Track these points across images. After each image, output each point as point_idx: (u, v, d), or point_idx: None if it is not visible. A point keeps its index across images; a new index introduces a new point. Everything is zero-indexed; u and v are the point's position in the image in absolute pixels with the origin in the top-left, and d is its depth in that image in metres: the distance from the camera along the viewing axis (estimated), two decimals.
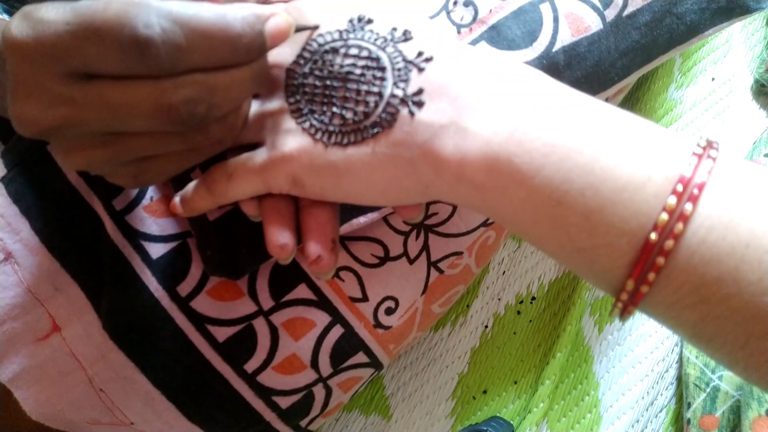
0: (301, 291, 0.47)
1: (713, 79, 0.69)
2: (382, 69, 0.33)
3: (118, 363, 0.46)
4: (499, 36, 0.45)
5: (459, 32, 0.45)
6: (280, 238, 0.36)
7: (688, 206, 0.27)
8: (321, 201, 0.37)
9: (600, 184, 0.28)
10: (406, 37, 0.34)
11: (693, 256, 0.27)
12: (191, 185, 0.39)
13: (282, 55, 0.36)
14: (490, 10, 0.45)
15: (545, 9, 0.45)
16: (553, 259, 0.33)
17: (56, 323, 0.47)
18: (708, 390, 0.58)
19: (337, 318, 0.48)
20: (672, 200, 0.27)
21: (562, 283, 0.66)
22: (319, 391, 0.50)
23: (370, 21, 0.35)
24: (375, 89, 0.33)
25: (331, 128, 0.34)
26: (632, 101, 0.69)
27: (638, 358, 0.63)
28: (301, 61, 0.35)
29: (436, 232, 0.50)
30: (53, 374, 0.47)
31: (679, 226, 0.27)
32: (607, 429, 0.61)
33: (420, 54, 0.33)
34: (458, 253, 0.51)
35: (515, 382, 0.64)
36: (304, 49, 0.35)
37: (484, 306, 0.66)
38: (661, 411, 0.62)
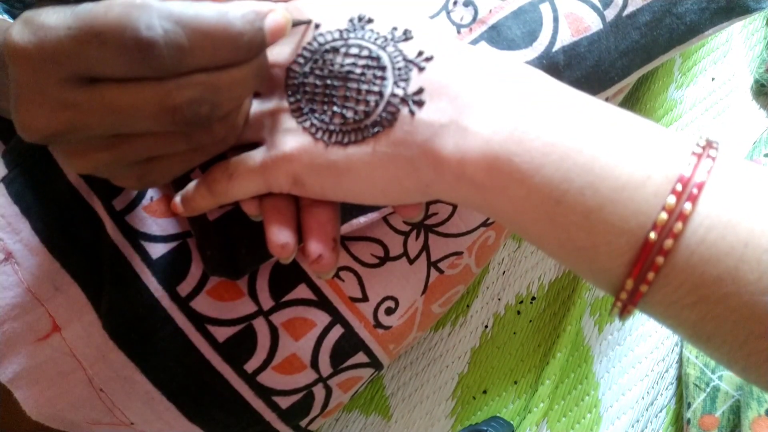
0: (301, 291, 0.47)
1: (713, 79, 0.69)
2: (383, 68, 0.33)
3: (118, 363, 0.46)
4: (499, 36, 0.45)
5: (459, 32, 0.45)
6: (281, 238, 0.36)
7: (688, 206, 0.27)
8: (321, 200, 0.37)
9: (599, 183, 0.28)
10: (407, 36, 0.34)
11: (692, 255, 0.27)
12: (192, 185, 0.39)
13: (282, 54, 0.36)
14: (490, 10, 0.45)
15: (545, 9, 0.45)
16: (553, 258, 0.33)
17: (56, 323, 0.47)
18: (708, 390, 0.58)
19: (337, 318, 0.48)
20: (671, 199, 0.27)
21: (562, 283, 0.66)
22: (319, 391, 0.50)
23: (370, 20, 0.35)
24: (375, 88, 0.33)
25: (331, 127, 0.34)
26: (632, 101, 0.69)
27: (638, 358, 0.63)
28: (302, 61, 0.35)
29: (436, 232, 0.50)
30: (53, 374, 0.47)
31: (679, 225, 0.27)
32: (607, 429, 0.61)
33: (420, 53, 0.33)
34: (458, 253, 0.51)
35: (515, 382, 0.64)
36: (304, 48, 0.35)
37: (484, 306, 0.66)
38: (661, 411, 0.62)
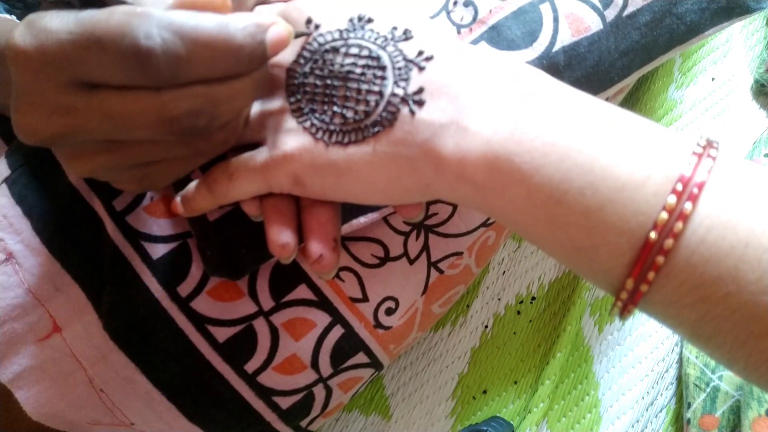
0: (302, 291, 0.47)
1: (713, 79, 0.69)
2: (383, 68, 0.33)
3: (118, 363, 0.46)
4: (499, 36, 0.45)
5: (459, 32, 0.45)
6: (281, 238, 0.36)
7: (688, 205, 0.27)
8: (322, 200, 0.37)
9: (599, 182, 0.28)
10: (407, 36, 0.34)
11: (692, 255, 0.27)
12: (192, 185, 0.39)
13: (283, 54, 0.36)
14: (490, 11, 0.45)
15: (545, 9, 0.45)
16: (553, 258, 0.33)
17: (57, 324, 0.46)
18: (708, 390, 0.58)
19: (337, 318, 0.48)
20: (672, 199, 0.27)
21: (562, 283, 0.66)
22: (319, 392, 0.50)
23: (370, 20, 0.35)
24: (375, 88, 0.33)
25: (332, 127, 0.34)
26: (632, 101, 0.69)
27: (638, 358, 0.63)
28: (302, 61, 0.35)
29: (436, 233, 0.50)
30: (54, 375, 0.47)
31: (679, 225, 0.27)
32: (607, 429, 0.61)
33: (420, 53, 0.33)
34: (458, 254, 0.51)
35: (515, 382, 0.64)
36: (304, 48, 0.35)
37: (484, 306, 0.66)
38: (661, 411, 0.62)
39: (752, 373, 0.29)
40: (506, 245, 0.67)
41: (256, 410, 0.48)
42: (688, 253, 0.27)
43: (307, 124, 0.34)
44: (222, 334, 0.46)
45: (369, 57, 0.34)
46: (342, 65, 0.34)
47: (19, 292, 0.46)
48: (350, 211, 0.45)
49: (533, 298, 0.66)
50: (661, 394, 0.62)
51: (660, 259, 0.27)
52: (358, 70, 0.34)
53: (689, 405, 0.58)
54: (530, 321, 0.66)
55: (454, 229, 0.50)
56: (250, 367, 0.47)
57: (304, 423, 0.52)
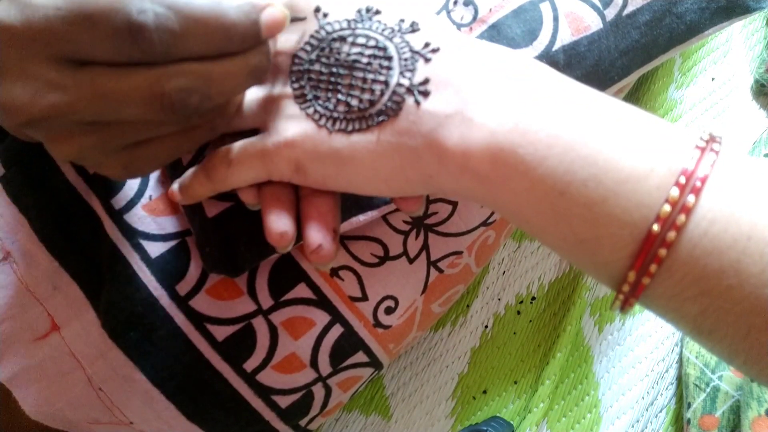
0: (301, 290, 0.47)
1: (713, 79, 0.69)
2: (389, 58, 0.33)
3: (117, 362, 0.46)
4: (499, 35, 0.45)
5: (459, 31, 0.45)
6: (279, 225, 0.36)
7: (691, 198, 0.27)
8: (322, 190, 0.36)
9: (602, 175, 0.28)
10: (414, 28, 0.34)
11: (695, 248, 0.27)
12: (190, 171, 0.38)
13: (289, 41, 0.36)
14: (490, 9, 0.45)
15: (545, 8, 0.46)
16: (555, 251, 0.33)
17: (55, 322, 0.46)
18: (708, 390, 0.58)
19: (336, 317, 0.48)
20: (675, 192, 0.27)
21: (562, 283, 0.66)
22: (318, 391, 0.50)
23: (378, 12, 0.35)
24: (381, 78, 0.33)
25: (335, 115, 0.34)
26: (632, 101, 0.69)
27: (638, 358, 0.63)
28: (308, 48, 0.35)
29: (435, 232, 0.50)
30: (52, 373, 0.47)
31: (682, 217, 0.27)
32: (607, 429, 0.61)
33: (427, 45, 0.33)
34: (458, 253, 0.51)
35: (515, 382, 0.64)
36: (311, 36, 0.35)
37: (484, 306, 0.66)
38: (661, 411, 0.62)
39: (753, 367, 0.29)
40: (506, 245, 0.67)
41: (255, 409, 0.48)
42: (691, 245, 0.27)
43: (311, 110, 0.34)
44: (221, 332, 0.46)
45: (376, 47, 0.34)
46: (348, 54, 0.34)
47: (17, 290, 0.46)
48: (349, 209, 0.45)
49: (533, 298, 0.66)
50: (661, 394, 0.62)
51: (662, 251, 0.27)
52: (365, 60, 0.34)
53: (689, 405, 0.58)
54: (530, 321, 0.66)
55: (454, 228, 0.50)
56: (249, 365, 0.47)
57: (303, 422, 0.52)
